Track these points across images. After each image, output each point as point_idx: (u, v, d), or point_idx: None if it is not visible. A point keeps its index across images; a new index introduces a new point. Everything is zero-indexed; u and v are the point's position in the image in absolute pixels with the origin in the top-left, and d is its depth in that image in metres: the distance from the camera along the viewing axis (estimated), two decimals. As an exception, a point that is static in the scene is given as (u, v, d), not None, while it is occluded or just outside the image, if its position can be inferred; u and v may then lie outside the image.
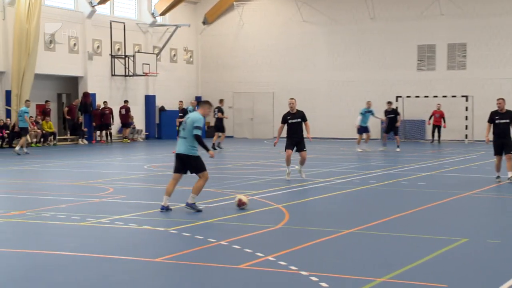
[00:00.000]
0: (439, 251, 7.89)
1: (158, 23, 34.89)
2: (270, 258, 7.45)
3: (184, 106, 27.10)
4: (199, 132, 10.59)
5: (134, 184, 14.87)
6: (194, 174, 10.90)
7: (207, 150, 10.71)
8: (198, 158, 10.67)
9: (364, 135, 25.30)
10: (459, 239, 8.54)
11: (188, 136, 10.64)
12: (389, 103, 26.08)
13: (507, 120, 14.95)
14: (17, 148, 23.71)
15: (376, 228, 9.44)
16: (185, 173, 10.82)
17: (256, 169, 18.08)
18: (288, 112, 14.93)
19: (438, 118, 31.03)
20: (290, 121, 14.87)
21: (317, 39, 35.09)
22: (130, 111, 32.75)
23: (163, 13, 34.61)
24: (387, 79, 33.59)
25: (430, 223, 9.97)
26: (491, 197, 13.09)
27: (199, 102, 11.08)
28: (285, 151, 15.01)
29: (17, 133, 26.78)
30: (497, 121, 14.98)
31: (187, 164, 10.68)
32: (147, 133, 34.58)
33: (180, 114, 24.81)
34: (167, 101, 35.05)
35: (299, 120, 14.83)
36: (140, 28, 34.20)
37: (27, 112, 24.06)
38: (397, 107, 27.70)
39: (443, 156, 22.59)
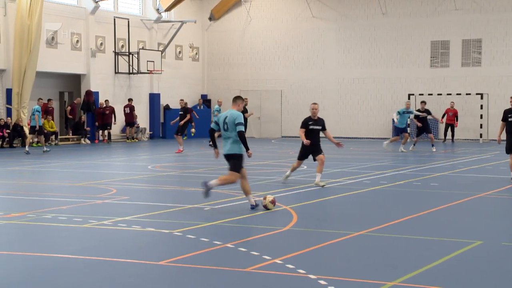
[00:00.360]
0: (452, 254, 7.87)
1: (163, 19, 34.95)
2: (277, 261, 7.45)
3: (189, 105, 27.22)
4: (242, 129, 10.88)
5: (138, 185, 14.90)
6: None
7: (248, 149, 10.97)
8: (241, 157, 11.00)
9: (402, 136, 24.60)
10: (474, 242, 8.52)
11: (233, 135, 10.88)
12: (423, 102, 26.04)
13: None
14: (26, 147, 24.29)
15: (387, 230, 9.43)
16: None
17: (264, 169, 18.08)
18: (310, 117, 14.51)
19: (452, 117, 30.95)
20: (311, 127, 14.50)
21: (327, 35, 35.08)
22: (134, 110, 32.82)
23: (168, 9, 34.67)
24: (399, 76, 33.54)
25: (443, 225, 9.95)
26: (506, 198, 13.04)
27: (234, 98, 11.28)
28: (297, 159, 14.71)
29: (20, 132, 27.03)
30: (510, 119, 15.00)
31: (230, 162, 11.00)
32: (151, 132, 34.66)
33: (180, 113, 24.80)
34: (172, 99, 35.11)
35: (319, 127, 14.52)
36: (144, 24, 34.27)
37: (39, 111, 24.39)
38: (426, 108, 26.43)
39: (456, 156, 22.53)
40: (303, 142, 14.35)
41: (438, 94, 32.30)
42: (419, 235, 9.09)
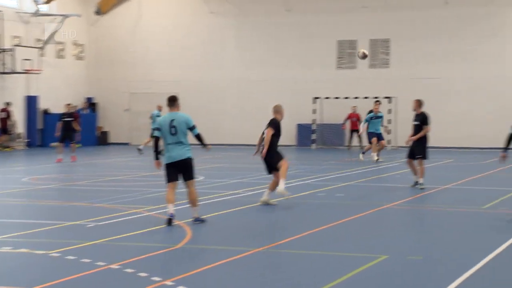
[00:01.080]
0: (356, 270, 8.08)
1: (43, 12, 34.06)
2: (168, 282, 7.41)
3: (78, 109, 26.79)
4: (198, 130, 11.37)
5: (10, 200, 14.43)
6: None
7: (205, 144, 11.59)
8: (193, 161, 11.34)
9: (377, 142, 23.93)
10: (378, 256, 8.78)
11: (184, 139, 11.18)
12: (378, 102, 25.01)
13: (418, 122, 16.12)
14: None
15: (287, 245, 9.57)
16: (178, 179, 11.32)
17: (156, 181, 17.93)
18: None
19: (355, 122, 31.76)
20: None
21: (226, 33, 35.28)
22: (11, 115, 31.82)
23: (48, 1, 33.83)
24: (303, 78, 34.16)
25: (347, 239, 10.20)
26: (413, 209, 13.54)
27: (172, 100, 11.41)
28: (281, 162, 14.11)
29: None
30: (413, 123, 16.22)
31: (184, 169, 11.22)
32: (28, 140, 33.66)
33: (64, 119, 24.34)
34: (53, 102, 34.23)
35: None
36: (20, 17, 33.29)
37: None
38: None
39: (364, 164, 23.17)
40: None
41: (345, 98, 33.13)
42: (322, 250, 9.27)
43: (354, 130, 31.76)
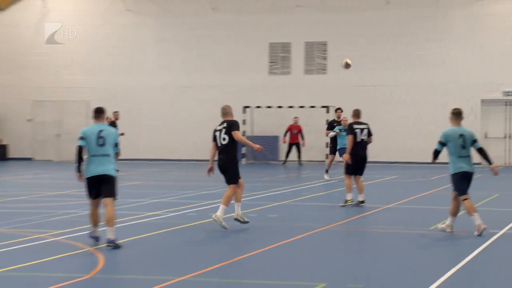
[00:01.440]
0: (290, 300, 8.10)
1: None
2: (75, 318, 7.28)
3: None
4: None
5: None
6: None
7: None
8: (116, 178, 11.64)
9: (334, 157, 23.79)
10: (316, 284, 8.83)
11: (111, 153, 11.59)
12: (339, 110, 24.65)
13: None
14: None
15: (213, 274, 9.52)
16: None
17: (63, 201, 17.65)
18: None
19: (296, 135, 32.01)
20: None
21: (145, 33, 35.09)
22: None
23: None
24: (232, 84, 34.23)
25: (280, 265, 10.22)
26: (353, 231, 13.68)
27: (100, 111, 11.77)
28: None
29: None
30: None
31: (105, 184, 11.45)
32: None
33: None
34: None
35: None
36: None
37: None
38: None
39: (300, 181, 23.33)
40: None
41: (279, 107, 33.35)
42: (252, 278, 9.26)
43: (294, 143, 31.98)
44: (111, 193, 11.50)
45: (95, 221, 11.55)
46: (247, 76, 34.27)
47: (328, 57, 33.73)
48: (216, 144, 13.40)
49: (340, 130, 22.59)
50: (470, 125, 31.06)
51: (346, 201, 16.69)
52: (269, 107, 33.39)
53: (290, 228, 13.54)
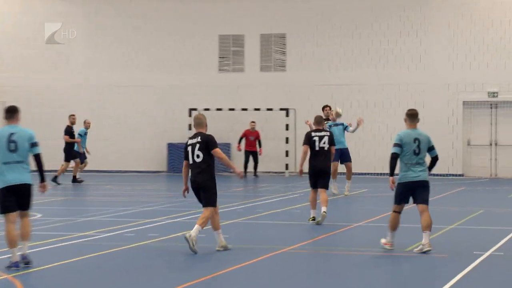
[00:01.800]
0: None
1: None
2: None
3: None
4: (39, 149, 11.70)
5: None
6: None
7: (44, 180, 11.73)
8: (32, 187, 11.63)
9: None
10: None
11: (26, 159, 11.56)
12: (327, 107, 24.51)
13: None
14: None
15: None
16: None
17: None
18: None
19: (253, 142, 31.96)
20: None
21: (71, 24, 34.69)
22: None
23: None
24: (175, 84, 34.09)
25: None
26: (317, 253, 13.70)
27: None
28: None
29: None
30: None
31: (22, 196, 11.47)
32: None
33: None
34: None
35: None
36: None
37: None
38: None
39: (255, 196, 23.33)
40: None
41: (230, 109, 33.27)
42: (200, 310, 9.22)
43: (251, 152, 31.90)
44: (28, 205, 11.57)
45: (12, 241, 11.30)
46: (193, 74, 34.14)
47: (287, 51, 33.76)
48: (188, 161, 13.34)
49: (330, 126, 22.64)
50: (451, 130, 31.75)
51: (310, 218, 16.70)
52: (219, 109, 33.27)
53: (244, 250, 13.51)
